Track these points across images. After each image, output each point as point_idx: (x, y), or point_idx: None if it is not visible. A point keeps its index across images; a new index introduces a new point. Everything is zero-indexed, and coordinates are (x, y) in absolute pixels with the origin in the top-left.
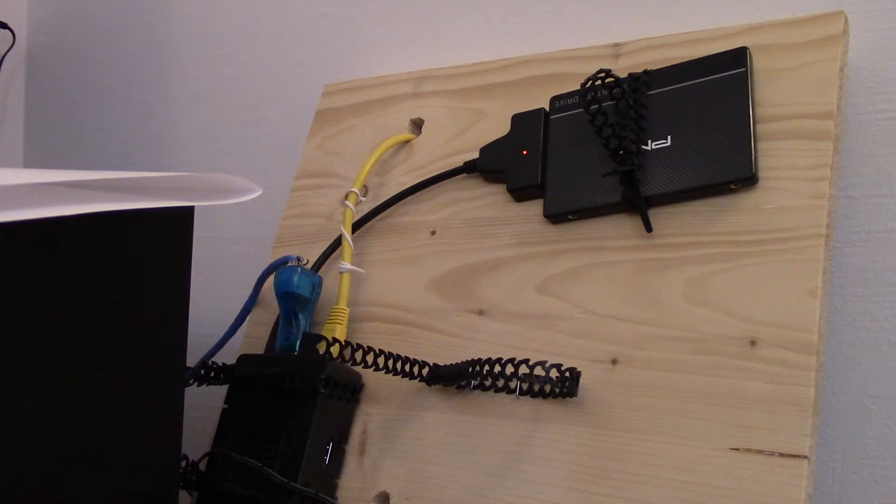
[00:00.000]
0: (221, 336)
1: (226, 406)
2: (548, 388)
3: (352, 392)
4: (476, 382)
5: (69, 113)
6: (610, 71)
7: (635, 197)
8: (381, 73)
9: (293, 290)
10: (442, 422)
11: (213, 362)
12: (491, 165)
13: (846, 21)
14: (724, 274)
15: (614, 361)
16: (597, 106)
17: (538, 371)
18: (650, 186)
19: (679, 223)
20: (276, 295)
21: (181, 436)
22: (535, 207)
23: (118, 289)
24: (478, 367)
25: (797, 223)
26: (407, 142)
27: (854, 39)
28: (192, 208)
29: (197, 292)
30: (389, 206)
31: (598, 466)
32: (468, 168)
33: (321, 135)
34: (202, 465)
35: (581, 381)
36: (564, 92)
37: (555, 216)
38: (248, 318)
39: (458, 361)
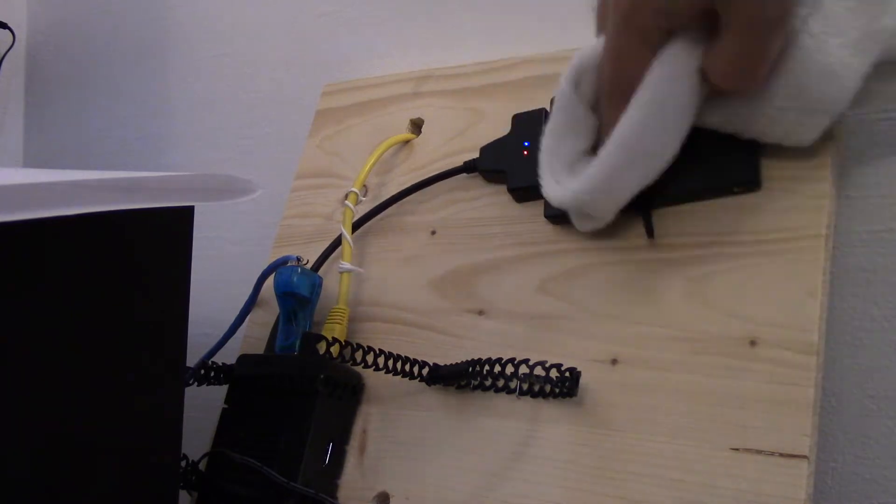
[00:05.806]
0: (221, 336)
1: (226, 406)
2: (548, 388)
3: (352, 392)
4: (476, 382)
5: (69, 113)
6: None
7: (637, 199)
8: (381, 73)
9: (293, 290)
10: (442, 422)
11: (213, 362)
12: (491, 165)
13: None
14: (725, 274)
15: (614, 361)
16: None
17: (538, 371)
18: (651, 188)
19: (679, 223)
20: (276, 295)
21: (181, 436)
22: (535, 207)
23: (118, 289)
24: (478, 367)
25: (797, 224)
26: (407, 142)
27: None
28: (192, 208)
29: (197, 292)
30: (389, 205)
31: (598, 466)
32: (468, 168)
33: (321, 135)
34: (202, 465)
35: (581, 381)
36: None
37: (555, 216)
38: (248, 318)
39: (458, 361)
